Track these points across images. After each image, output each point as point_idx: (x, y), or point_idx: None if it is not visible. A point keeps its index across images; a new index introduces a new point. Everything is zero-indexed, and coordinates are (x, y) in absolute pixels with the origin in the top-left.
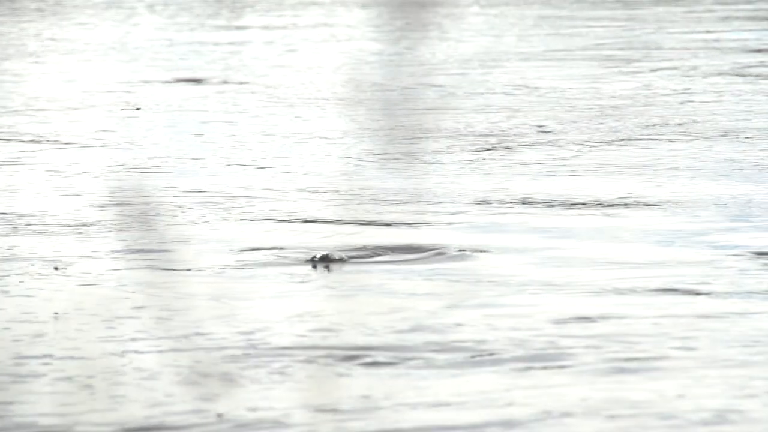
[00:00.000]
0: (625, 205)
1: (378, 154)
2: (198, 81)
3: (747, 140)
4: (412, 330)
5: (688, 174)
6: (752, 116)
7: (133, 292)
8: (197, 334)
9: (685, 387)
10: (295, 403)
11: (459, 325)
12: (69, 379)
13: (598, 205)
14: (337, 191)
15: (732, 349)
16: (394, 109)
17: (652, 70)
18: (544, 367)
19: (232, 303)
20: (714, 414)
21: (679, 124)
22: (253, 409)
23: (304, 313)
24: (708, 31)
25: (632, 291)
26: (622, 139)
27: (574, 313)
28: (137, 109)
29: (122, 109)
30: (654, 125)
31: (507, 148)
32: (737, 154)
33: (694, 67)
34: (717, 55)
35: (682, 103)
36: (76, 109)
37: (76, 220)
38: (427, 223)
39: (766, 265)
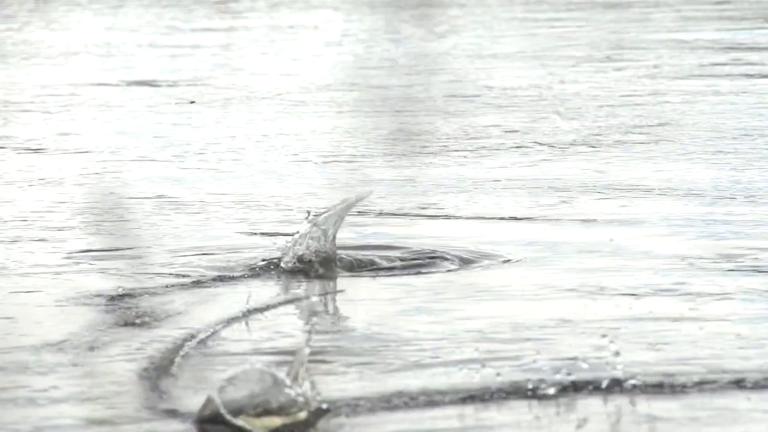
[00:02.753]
0: (604, 198)
1: (336, 155)
2: (153, 83)
3: (727, 140)
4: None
5: (667, 175)
6: (730, 115)
7: (99, 296)
8: (161, 338)
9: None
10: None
11: (415, 331)
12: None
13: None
14: (314, 193)
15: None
16: (363, 109)
17: (620, 69)
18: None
19: (203, 306)
20: None
21: (654, 125)
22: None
23: (268, 319)
24: (680, 31)
25: (602, 292)
26: (601, 140)
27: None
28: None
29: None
30: (632, 126)
31: (484, 148)
32: (715, 155)
33: (669, 67)
34: (691, 54)
35: (658, 103)
36: (27, 111)
37: (36, 224)
38: (411, 217)
39: (732, 268)
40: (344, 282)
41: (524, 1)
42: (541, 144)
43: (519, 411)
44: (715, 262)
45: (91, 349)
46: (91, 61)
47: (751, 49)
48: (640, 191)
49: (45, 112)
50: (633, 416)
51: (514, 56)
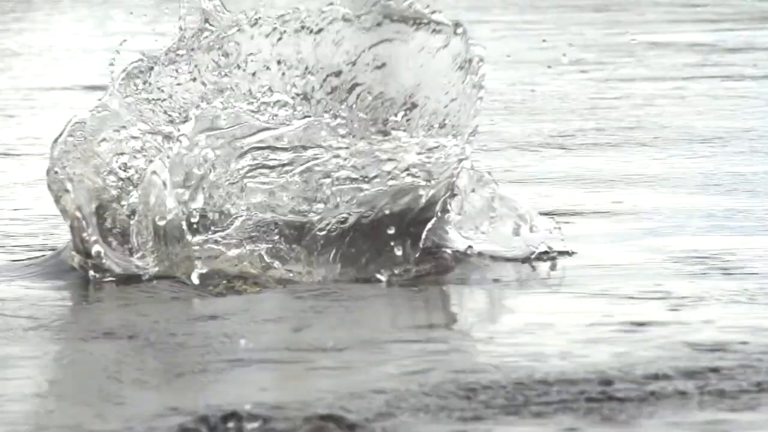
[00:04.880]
0: (581, 213)
1: None
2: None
3: (701, 142)
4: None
5: (645, 178)
6: (704, 117)
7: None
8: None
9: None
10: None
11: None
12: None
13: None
14: None
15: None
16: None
17: (592, 72)
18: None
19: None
20: None
21: (628, 127)
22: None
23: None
24: (653, 33)
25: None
26: (574, 142)
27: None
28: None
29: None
30: (604, 128)
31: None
32: (689, 158)
33: (643, 69)
34: (664, 56)
35: (631, 106)
36: None
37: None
38: None
39: (700, 271)
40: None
41: (495, 5)
42: (513, 146)
43: None
44: (692, 264)
45: (57, 359)
46: (42, 64)
47: (726, 51)
48: (611, 190)
49: (5, 116)
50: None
51: (486, 59)
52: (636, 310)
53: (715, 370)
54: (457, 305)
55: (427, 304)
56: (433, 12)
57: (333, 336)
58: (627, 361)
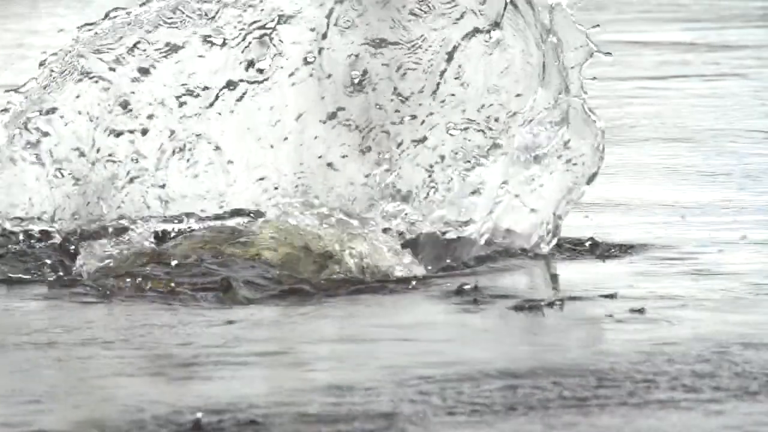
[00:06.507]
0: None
1: None
2: None
3: (683, 141)
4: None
5: (627, 176)
6: (688, 117)
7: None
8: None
9: None
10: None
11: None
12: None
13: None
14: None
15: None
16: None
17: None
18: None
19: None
20: None
21: (610, 127)
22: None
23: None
24: (635, 31)
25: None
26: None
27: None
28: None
29: None
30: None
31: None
32: (670, 158)
33: (625, 68)
34: (646, 55)
35: (614, 105)
36: None
37: None
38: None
39: (674, 271)
40: None
41: None
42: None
43: None
44: (667, 264)
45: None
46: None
47: (706, 50)
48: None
49: None
50: None
51: None
52: (614, 308)
53: (696, 373)
54: (447, 306)
55: (418, 305)
56: None
57: (328, 335)
58: (608, 360)
